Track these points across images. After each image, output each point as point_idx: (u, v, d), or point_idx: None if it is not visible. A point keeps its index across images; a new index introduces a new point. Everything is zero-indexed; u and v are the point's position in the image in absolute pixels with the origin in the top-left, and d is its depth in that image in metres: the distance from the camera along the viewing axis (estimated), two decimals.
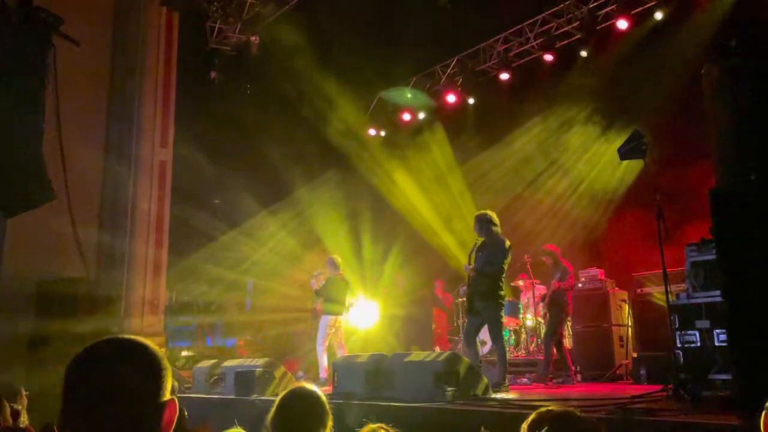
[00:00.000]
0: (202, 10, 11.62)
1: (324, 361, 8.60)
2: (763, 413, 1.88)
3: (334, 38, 11.45)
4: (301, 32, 11.17)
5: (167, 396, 1.31)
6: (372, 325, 11.12)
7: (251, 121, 12.09)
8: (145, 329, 10.06)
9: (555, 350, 8.13)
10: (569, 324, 8.81)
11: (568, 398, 5.88)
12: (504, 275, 6.94)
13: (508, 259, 6.93)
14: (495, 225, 6.98)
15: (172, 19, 10.99)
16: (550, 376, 8.04)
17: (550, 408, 1.56)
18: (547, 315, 8.68)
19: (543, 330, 9.27)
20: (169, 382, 1.33)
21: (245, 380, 7.13)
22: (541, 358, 8.76)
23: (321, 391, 2.41)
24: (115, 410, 1.23)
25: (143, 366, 1.30)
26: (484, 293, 6.79)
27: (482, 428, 3.43)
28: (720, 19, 8.85)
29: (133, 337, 1.35)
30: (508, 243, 6.94)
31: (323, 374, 8.50)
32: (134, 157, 10.39)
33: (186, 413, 3.26)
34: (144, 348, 1.32)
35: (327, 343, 8.70)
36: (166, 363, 1.33)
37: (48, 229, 8.53)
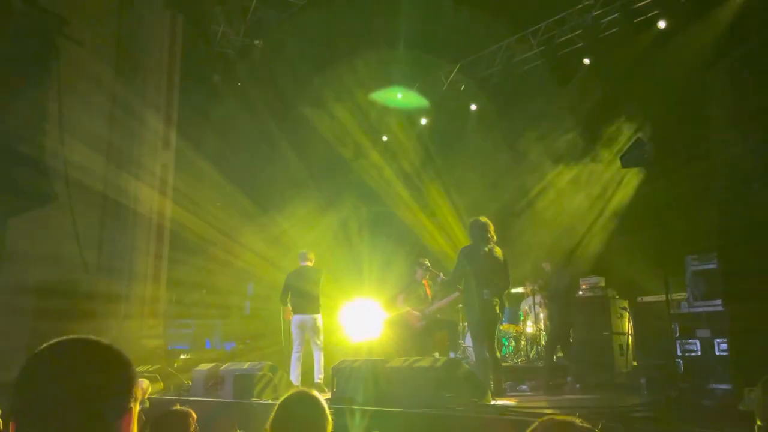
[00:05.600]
0: (206, 14, 11.66)
1: (296, 366, 8.01)
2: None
3: (334, 45, 11.47)
4: (303, 37, 11.19)
5: (131, 404, 1.25)
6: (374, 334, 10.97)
7: (253, 124, 12.09)
8: (144, 332, 10.04)
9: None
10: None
11: (567, 406, 5.85)
12: (463, 281, 6.73)
13: (462, 266, 6.66)
14: (475, 232, 6.73)
15: (176, 22, 11.01)
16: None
17: (552, 417, 1.55)
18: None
19: (544, 337, 9.27)
20: (137, 391, 1.28)
21: (244, 383, 7.11)
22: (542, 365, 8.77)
23: (321, 396, 2.40)
24: (73, 407, 1.16)
25: (108, 367, 1.24)
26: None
27: None
28: (723, 28, 8.89)
29: (98, 338, 1.29)
30: (462, 248, 6.84)
31: (295, 380, 7.87)
32: (136, 159, 10.40)
33: (194, 417, 3.17)
34: (110, 349, 1.27)
35: (301, 348, 8.06)
36: (133, 368, 1.28)
37: (49, 230, 8.53)
